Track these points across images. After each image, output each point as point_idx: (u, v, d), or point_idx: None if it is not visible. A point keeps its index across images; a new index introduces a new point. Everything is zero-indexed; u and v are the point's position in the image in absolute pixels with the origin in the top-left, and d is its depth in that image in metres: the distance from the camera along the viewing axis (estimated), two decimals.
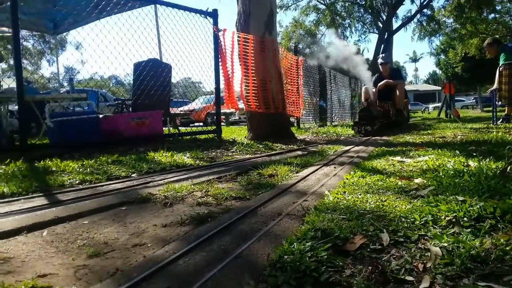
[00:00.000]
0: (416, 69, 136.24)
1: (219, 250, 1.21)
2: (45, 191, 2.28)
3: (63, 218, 1.70)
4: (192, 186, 2.29)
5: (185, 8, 5.10)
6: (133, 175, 2.82)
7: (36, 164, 3.12)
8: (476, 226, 1.22)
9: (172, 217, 1.68)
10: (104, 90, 14.83)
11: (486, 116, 12.09)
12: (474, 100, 43.91)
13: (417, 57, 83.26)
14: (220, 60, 5.51)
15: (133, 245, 1.35)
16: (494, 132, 4.40)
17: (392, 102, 7.95)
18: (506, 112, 7.91)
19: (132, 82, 5.74)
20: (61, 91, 11.46)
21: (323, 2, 22.20)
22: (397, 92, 7.95)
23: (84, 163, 3.15)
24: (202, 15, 5.33)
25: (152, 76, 5.20)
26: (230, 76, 5.58)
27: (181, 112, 16.42)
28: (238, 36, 5.58)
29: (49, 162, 3.16)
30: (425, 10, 22.24)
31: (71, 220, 1.70)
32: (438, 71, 53.15)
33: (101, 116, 5.57)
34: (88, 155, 3.71)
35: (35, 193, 2.25)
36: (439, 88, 45.17)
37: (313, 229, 1.25)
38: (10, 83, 7.65)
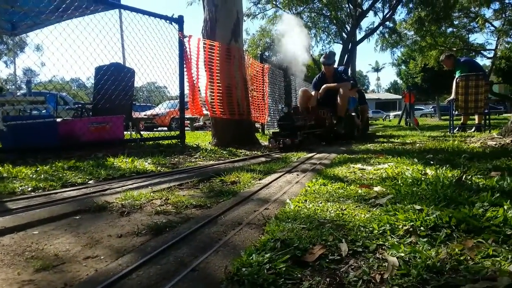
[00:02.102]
0: (378, 78, 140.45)
1: (175, 262, 1.17)
2: None
3: (11, 228, 1.61)
4: (151, 193, 2.22)
5: (150, 14, 5.01)
6: (90, 181, 2.71)
7: None
8: (433, 235, 1.23)
9: (128, 227, 1.62)
10: (64, 93, 14.35)
11: (443, 124, 12.57)
12: (432, 109, 45.69)
13: (379, 67, 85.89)
14: (185, 66, 5.43)
15: (85, 258, 1.28)
16: (451, 141, 4.56)
17: (335, 109, 6.72)
18: (462, 121, 8.26)
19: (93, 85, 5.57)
20: (18, 94, 11.02)
21: (290, 12, 22.46)
22: (340, 96, 6.56)
23: (38, 169, 3.01)
24: (168, 21, 5.25)
25: (114, 80, 5.06)
26: (195, 82, 5.51)
27: (145, 117, 16.14)
28: (204, 43, 5.52)
29: (0, 168, 2.99)
30: (387, 23, 22.93)
31: (19, 230, 1.61)
32: (399, 81, 54.89)
33: (59, 120, 5.37)
34: (43, 160, 3.55)
35: None
36: (400, 97, 46.76)
37: (273, 240, 1.23)
38: None
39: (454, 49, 25.59)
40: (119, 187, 2.49)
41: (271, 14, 23.86)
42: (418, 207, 1.46)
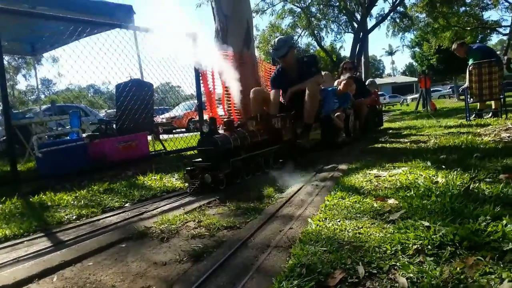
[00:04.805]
0: (393, 62, 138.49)
1: None
2: (46, 230, 2.41)
3: (69, 261, 1.84)
4: (184, 215, 2.44)
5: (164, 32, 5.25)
6: (126, 205, 2.96)
7: (31, 199, 3.22)
8: (438, 253, 1.40)
9: (170, 254, 1.83)
10: (83, 105, 14.84)
11: (461, 107, 12.44)
12: (450, 90, 45.02)
13: (393, 50, 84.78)
14: (201, 77, 5.65)
15: None
16: (465, 136, 4.66)
17: (304, 114, 4.87)
18: (478, 108, 8.28)
19: (114, 99, 5.85)
20: (42, 108, 11.48)
21: (298, 5, 22.53)
22: (307, 97, 4.81)
23: (77, 194, 3.28)
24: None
25: (135, 96, 5.31)
26: (211, 92, 5.74)
27: (163, 121, 16.51)
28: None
29: (43, 196, 3.27)
30: (398, 8, 22.76)
31: (76, 262, 1.84)
32: (415, 63, 54.16)
33: (85, 135, 5.67)
34: (79, 184, 3.82)
35: (36, 233, 2.37)
36: (416, 79, 46.15)
37: (299, 265, 1.42)
38: None
39: (468, 28, 25.21)
40: (154, 209, 2.72)
41: (280, 8, 23.98)
42: (426, 223, 1.63)
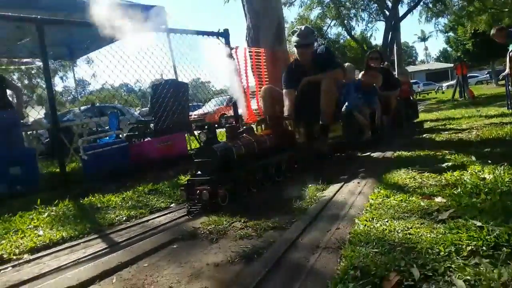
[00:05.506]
0: (426, 48, 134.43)
1: None
2: (99, 232, 2.53)
3: (126, 263, 1.92)
4: (229, 216, 2.50)
5: (198, 32, 5.33)
6: (171, 205, 3.07)
7: (81, 201, 3.38)
8: (494, 255, 1.39)
9: (221, 255, 1.89)
10: (119, 104, 15.27)
11: (501, 93, 11.97)
12: (487, 75, 43.32)
13: (426, 36, 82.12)
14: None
15: None
16: (508, 127, 4.51)
17: (321, 114, 4.28)
18: None
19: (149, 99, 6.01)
20: (82, 108, 11.93)
21: None
22: (323, 94, 4.24)
23: (124, 196, 3.41)
24: (214, 36, 5.55)
25: (172, 97, 5.44)
26: (245, 90, 5.80)
27: (196, 118, 16.75)
28: (250, 51, 5.79)
29: (93, 198, 3.42)
30: None
31: (132, 264, 1.92)
32: (449, 49, 52.41)
33: (122, 135, 5.85)
34: (123, 185, 3.97)
35: (90, 235, 2.49)
36: (451, 65, 44.66)
37: (351, 267, 1.45)
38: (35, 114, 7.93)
39: (506, 9, 24.13)
40: None
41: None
42: (478, 223, 1.62)
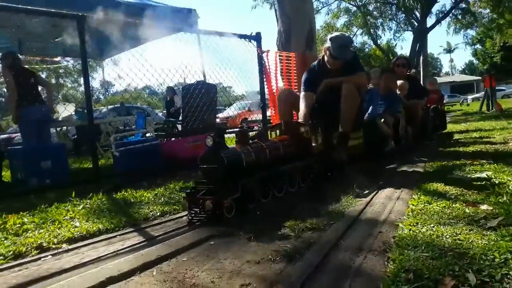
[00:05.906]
0: (452, 60, 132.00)
1: None
2: (135, 226, 2.55)
3: (165, 256, 1.92)
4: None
5: (231, 35, 5.37)
6: None
7: (114, 196, 3.42)
8: None
9: (260, 253, 1.87)
10: (145, 105, 15.52)
11: None
12: None
13: (451, 48, 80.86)
14: (265, 79, 5.73)
15: (241, 285, 1.55)
16: None
17: (341, 121, 3.92)
18: None
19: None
20: (109, 107, 12.16)
21: (354, 4, 22.18)
22: (343, 99, 3.90)
23: (156, 192, 3.44)
24: (246, 40, 5.57)
25: (203, 97, 5.48)
26: (275, 93, 5.80)
27: (219, 122, 16.90)
28: (280, 55, 5.80)
29: (125, 193, 3.46)
30: (459, 4, 21.75)
31: (171, 257, 1.92)
32: (475, 61, 51.49)
33: (148, 134, 5.91)
34: (154, 181, 4.00)
35: (126, 228, 2.51)
36: (477, 78, 43.79)
37: (402, 270, 1.41)
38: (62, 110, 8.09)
39: None
40: None
41: (335, 7, 23.74)
42: None
